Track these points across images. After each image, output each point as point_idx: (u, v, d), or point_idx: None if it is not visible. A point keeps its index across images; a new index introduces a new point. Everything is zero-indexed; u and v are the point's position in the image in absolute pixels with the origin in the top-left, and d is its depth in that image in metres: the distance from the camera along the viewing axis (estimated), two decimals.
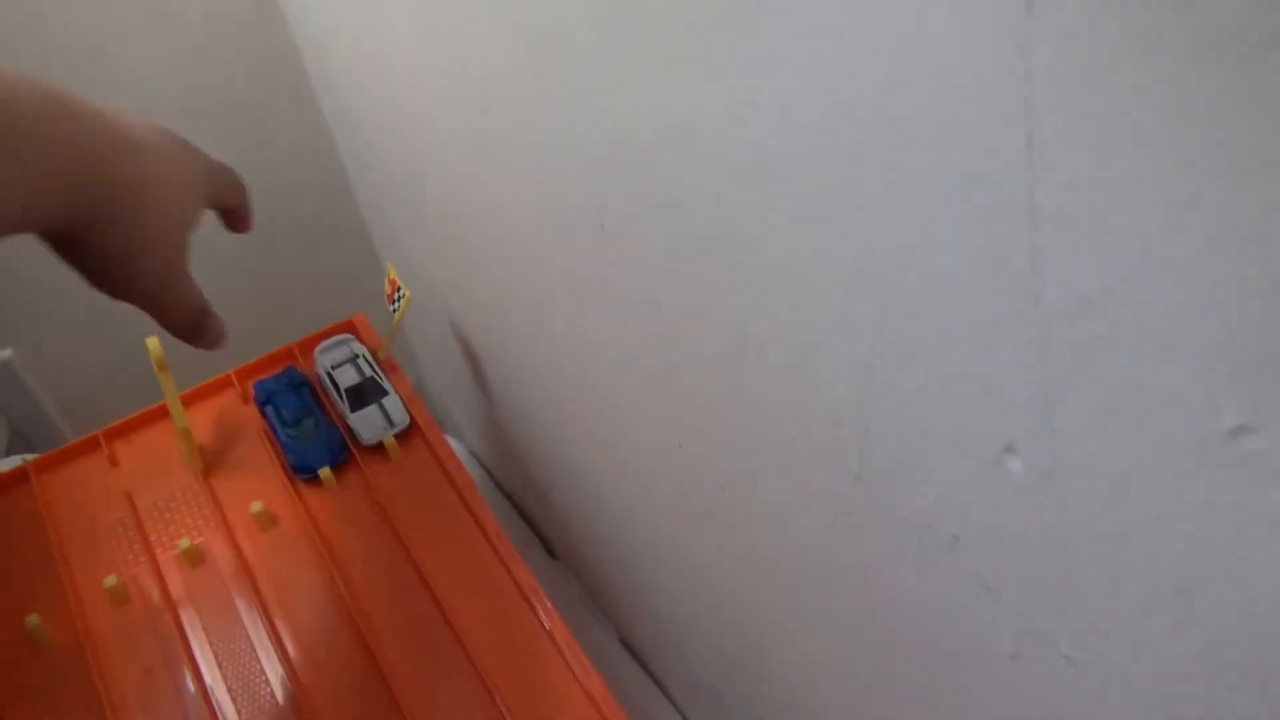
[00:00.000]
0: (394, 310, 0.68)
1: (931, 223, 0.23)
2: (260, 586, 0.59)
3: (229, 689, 0.55)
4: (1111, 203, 0.18)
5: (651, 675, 0.74)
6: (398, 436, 0.65)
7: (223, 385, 0.70)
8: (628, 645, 0.77)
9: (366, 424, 0.66)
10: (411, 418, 0.66)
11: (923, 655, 0.32)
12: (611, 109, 0.34)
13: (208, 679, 0.56)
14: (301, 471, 0.64)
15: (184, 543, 0.60)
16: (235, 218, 0.54)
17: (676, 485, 0.47)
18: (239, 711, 0.54)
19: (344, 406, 0.66)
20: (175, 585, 0.60)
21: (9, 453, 0.76)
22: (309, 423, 0.66)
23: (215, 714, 0.54)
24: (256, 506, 0.62)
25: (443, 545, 0.61)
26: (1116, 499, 0.21)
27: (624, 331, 0.43)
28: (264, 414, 0.67)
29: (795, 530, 0.37)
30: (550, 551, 0.86)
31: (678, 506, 0.49)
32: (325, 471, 0.63)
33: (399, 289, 0.67)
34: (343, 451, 0.65)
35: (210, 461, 0.66)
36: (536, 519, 0.87)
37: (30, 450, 0.79)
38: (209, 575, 0.60)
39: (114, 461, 0.66)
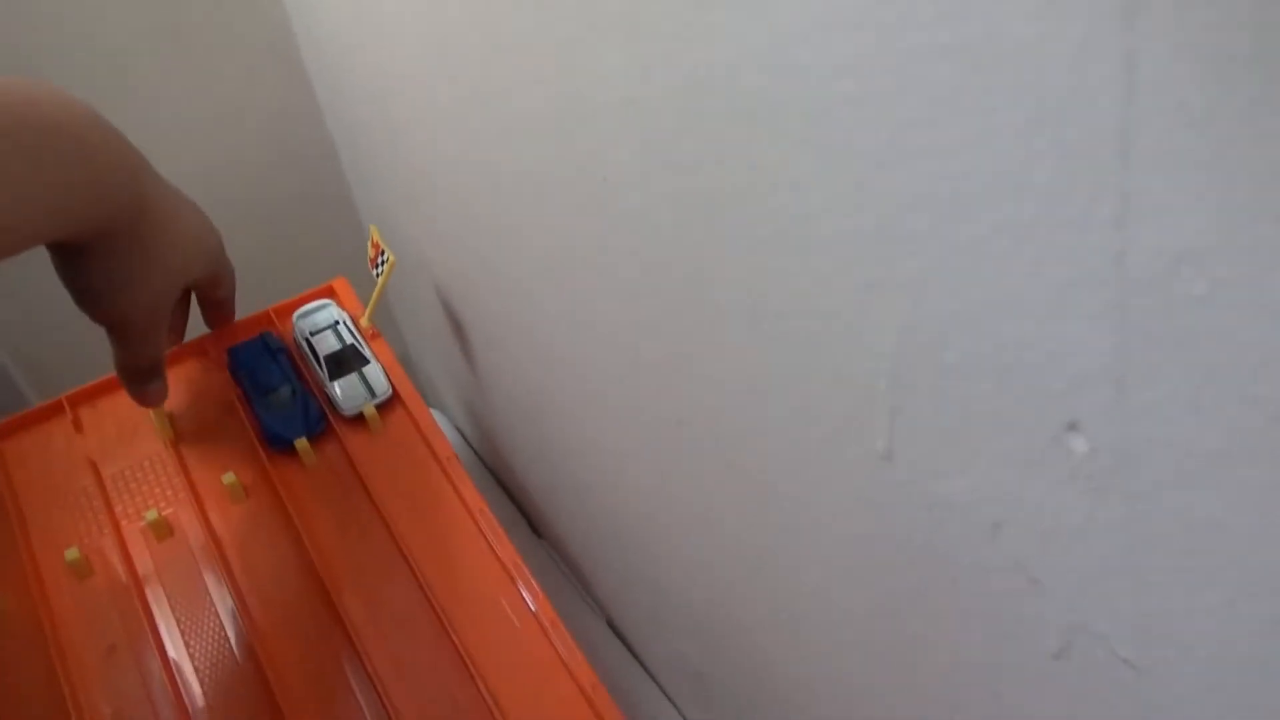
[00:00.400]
0: (377, 275, 0.64)
1: (992, 164, 0.20)
2: (230, 561, 0.56)
3: (195, 668, 0.52)
4: (1226, 135, 0.16)
5: (636, 657, 0.72)
6: (379, 407, 0.62)
7: (195, 351, 0.66)
8: (613, 627, 0.75)
9: (346, 393, 0.62)
10: (394, 388, 0.63)
11: (946, 651, 0.30)
12: (619, 52, 0.31)
13: (173, 657, 0.53)
14: (276, 442, 0.61)
15: (151, 514, 0.57)
16: (216, 307, 0.60)
17: (675, 465, 0.44)
18: (205, 691, 0.51)
19: (323, 374, 0.63)
20: (141, 559, 0.57)
21: None
22: (285, 391, 0.63)
23: (181, 693, 0.51)
24: (228, 478, 0.59)
25: (424, 520, 0.58)
26: (1204, 485, 0.19)
27: (623, 300, 0.40)
28: (238, 381, 0.64)
29: (808, 513, 0.34)
30: (535, 530, 0.83)
31: (675, 487, 0.46)
32: (302, 442, 0.60)
33: (383, 252, 0.64)
34: (320, 422, 0.62)
35: (180, 430, 0.62)
36: (521, 496, 0.84)
37: None
38: (177, 549, 0.57)
39: (79, 427, 0.63)
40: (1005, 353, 0.22)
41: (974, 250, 0.21)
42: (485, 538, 0.57)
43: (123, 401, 0.64)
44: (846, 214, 0.24)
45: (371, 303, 0.66)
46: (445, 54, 0.46)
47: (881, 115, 0.22)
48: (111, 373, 0.64)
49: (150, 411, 0.62)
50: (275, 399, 0.62)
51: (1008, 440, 0.23)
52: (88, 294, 0.47)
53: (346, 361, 0.64)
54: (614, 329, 0.43)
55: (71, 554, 0.55)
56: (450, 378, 0.87)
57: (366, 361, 0.64)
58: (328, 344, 0.64)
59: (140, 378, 0.55)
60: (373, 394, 0.62)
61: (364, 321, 0.66)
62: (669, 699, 0.68)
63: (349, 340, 0.64)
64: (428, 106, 0.54)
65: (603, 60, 0.33)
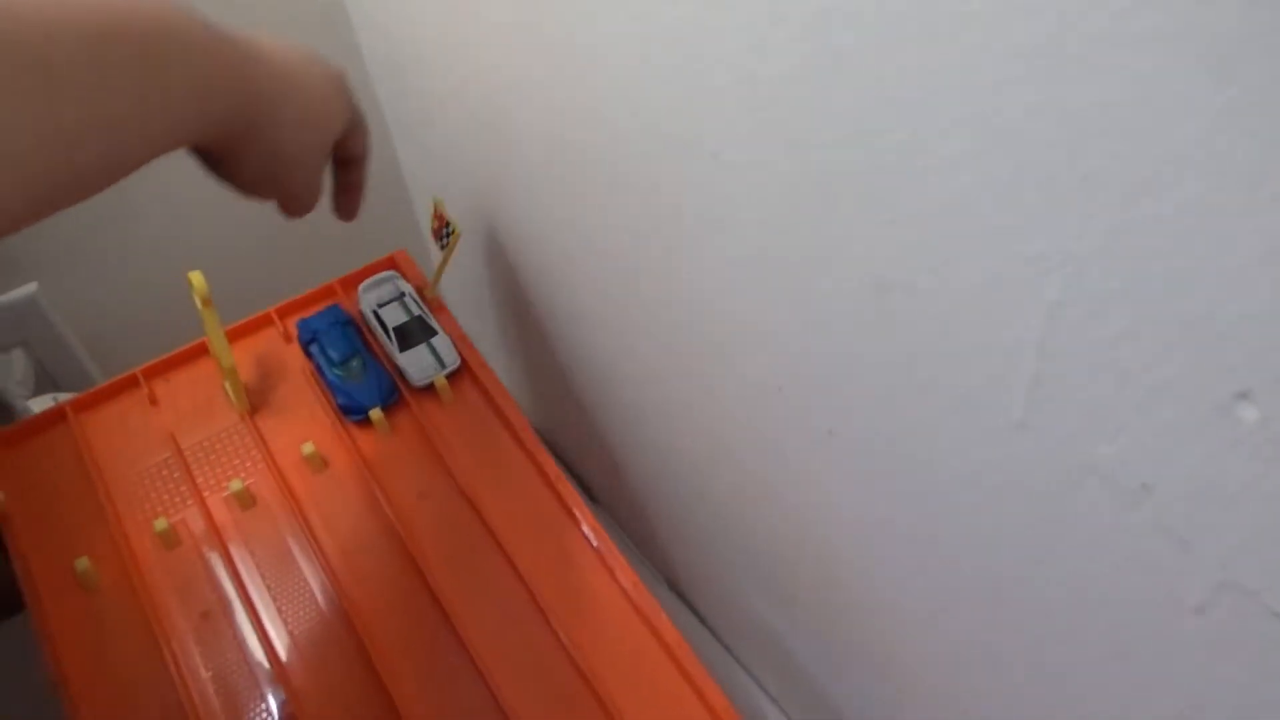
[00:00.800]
0: (442, 246, 0.65)
1: (1180, 145, 0.21)
2: (315, 529, 0.58)
3: (290, 633, 0.54)
4: None
5: (706, 623, 0.73)
6: (449, 377, 0.63)
7: (263, 323, 0.67)
8: (674, 589, 0.77)
9: (416, 364, 0.63)
10: (462, 358, 0.64)
11: (1074, 609, 0.31)
12: (735, 19, 0.32)
13: (266, 623, 0.54)
14: (352, 413, 0.62)
15: (235, 484, 0.58)
16: (353, 167, 0.55)
17: (767, 431, 0.46)
18: (300, 655, 0.53)
19: (392, 346, 0.64)
20: (227, 528, 0.58)
21: (36, 393, 0.73)
22: (357, 363, 0.64)
23: (277, 657, 0.53)
24: (308, 448, 0.60)
25: (501, 488, 0.60)
26: None
27: (724, 272, 0.41)
28: (309, 353, 0.65)
29: (925, 482, 0.36)
30: (591, 496, 0.85)
31: (764, 454, 0.48)
32: (377, 413, 0.61)
33: (448, 224, 0.65)
34: (393, 393, 0.63)
35: (255, 402, 0.63)
36: (574, 462, 0.86)
37: (57, 389, 0.76)
38: (261, 518, 0.59)
39: (154, 401, 0.64)
40: (1173, 328, 0.23)
41: (1152, 229, 0.22)
42: (563, 503, 0.59)
43: (197, 374, 0.65)
44: (1008, 195, 0.25)
45: (437, 274, 0.66)
46: (540, 21, 0.47)
47: (1055, 99, 0.23)
48: (170, 346, 0.65)
49: (225, 383, 0.63)
50: (347, 370, 0.63)
51: (1168, 409, 0.24)
52: (242, 187, 0.46)
53: (415, 333, 0.65)
54: (709, 300, 0.44)
55: (160, 524, 0.57)
56: (498, 346, 0.88)
57: (434, 332, 0.65)
58: (395, 316, 0.65)
59: (304, 212, 0.52)
60: (442, 365, 0.63)
61: (430, 292, 0.67)
62: (739, 662, 0.70)
63: (416, 312, 0.65)
64: (516, 79, 0.54)
65: (723, 40, 0.33)
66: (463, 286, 0.87)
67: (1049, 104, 0.23)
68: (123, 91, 0.34)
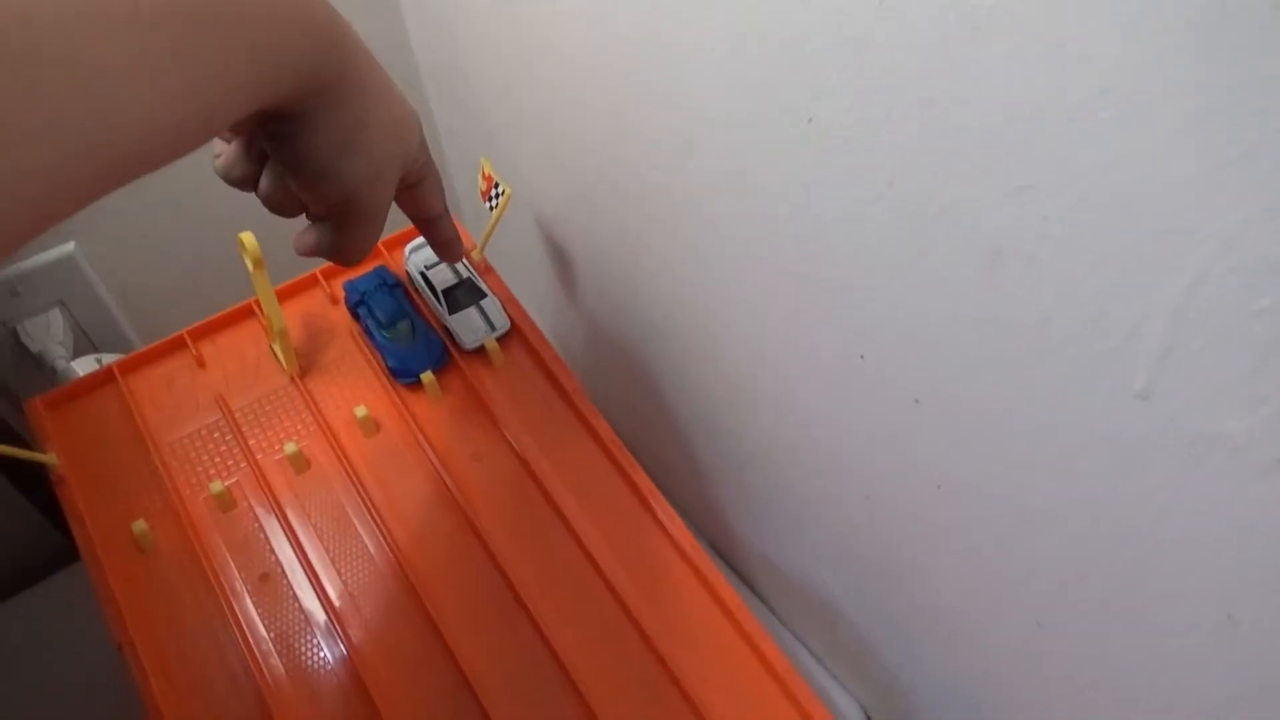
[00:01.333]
0: (491, 208, 0.64)
1: None
2: (371, 492, 0.58)
3: (350, 594, 0.54)
4: None
5: (743, 577, 0.74)
6: (499, 340, 0.63)
7: (308, 285, 0.67)
8: (713, 546, 0.77)
9: (466, 327, 0.63)
10: (512, 321, 0.64)
11: (1181, 577, 0.31)
12: None
13: (326, 584, 0.55)
14: (402, 375, 0.62)
15: (290, 447, 0.58)
16: (430, 204, 0.53)
17: (843, 399, 0.46)
18: (361, 615, 0.54)
19: (441, 309, 0.64)
20: (282, 491, 0.58)
21: (75, 354, 0.72)
22: (405, 325, 0.63)
23: (339, 619, 0.53)
24: (361, 411, 0.60)
25: (555, 450, 0.60)
26: None
27: (810, 237, 0.41)
28: (356, 316, 0.64)
29: (1018, 448, 0.36)
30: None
31: (837, 422, 0.48)
32: (428, 375, 0.61)
33: (496, 185, 0.64)
34: (444, 355, 0.63)
35: (303, 364, 0.63)
36: (621, 427, 0.86)
37: (95, 350, 0.75)
38: (316, 481, 0.59)
39: (201, 364, 0.63)
40: None
41: None
42: (618, 467, 0.59)
43: (243, 337, 0.65)
44: (1159, 166, 0.25)
45: (485, 236, 0.66)
46: None
47: (1224, 70, 0.23)
48: (210, 308, 0.65)
49: (273, 346, 0.62)
50: (396, 333, 0.63)
51: None
52: (305, 168, 0.41)
53: (464, 295, 0.64)
54: (790, 269, 0.43)
55: (215, 487, 0.57)
56: (539, 308, 0.88)
57: (484, 295, 0.64)
58: (444, 278, 0.64)
59: (346, 263, 0.49)
60: (492, 327, 0.63)
61: (476, 255, 0.67)
62: (779, 619, 0.70)
63: (464, 274, 0.65)
64: (572, 25, 0.53)
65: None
66: (510, 248, 0.86)
67: (1217, 74, 0.23)
68: (213, 48, 0.33)
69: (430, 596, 0.54)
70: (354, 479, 0.58)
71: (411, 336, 0.63)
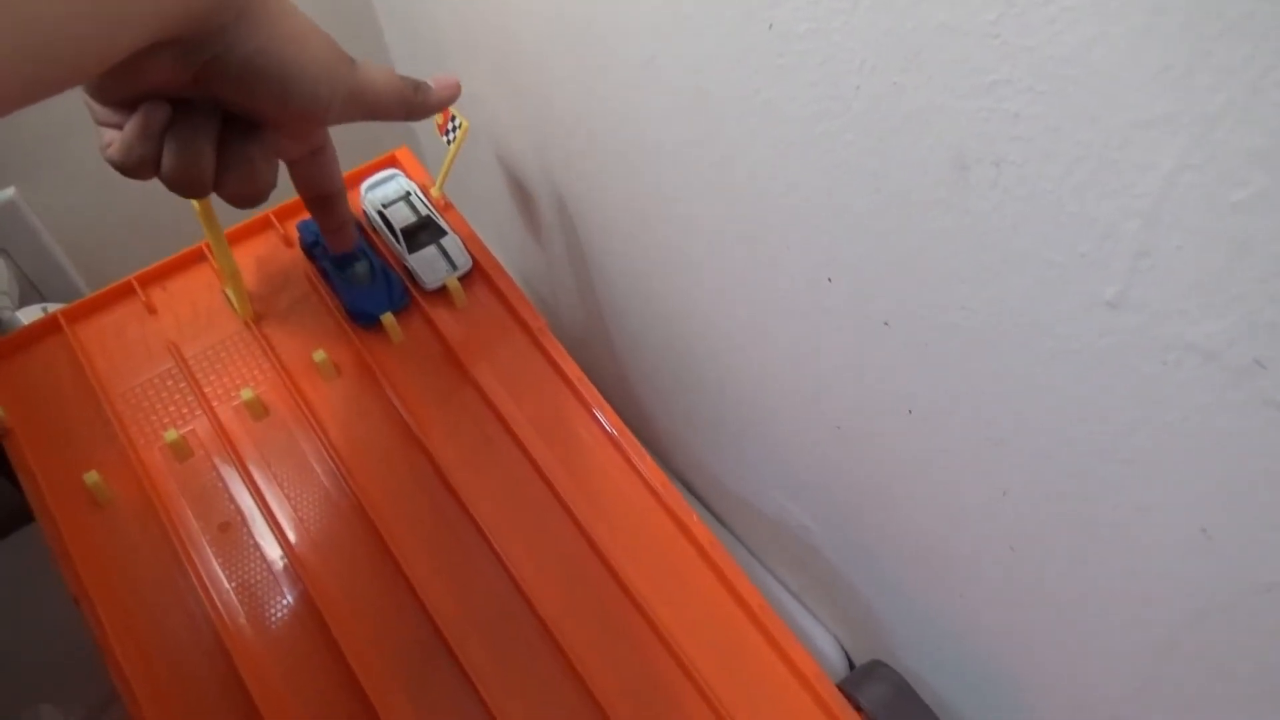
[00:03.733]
0: (449, 142, 0.62)
1: None
2: (332, 437, 0.56)
3: (312, 541, 0.53)
4: None
5: (725, 524, 0.73)
6: (461, 279, 0.61)
7: (261, 227, 0.64)
8: (692, 492, 0.77)
9: (427, 266, 0.61)
10: (474, 259, 0.62)
11: (1161, 487, 0.31)
12: None
13: (288, 531, 0.53)
14: (362, 318, 0.60)
15: (246, 394, 0.57)
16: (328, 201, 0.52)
17: (810, 325, 0.44)
18: (324, 562, 0.52)
19: (400, 248, 0.61)
20: (239, 438, 0.56)
21: (21, 304, 0.70)
22: (363, 266, 0.61)
23: (301, 566, 0.52)
24: (319, 355, 0.58)
25: (521, 390, 0.58)
26: None
27: (772, 154, 0.39)
28: (312, 257, 0.62)
29: (989, 365, 0.35)
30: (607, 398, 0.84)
31: (804, 349, 0.46)
32: (389, 317, 0.59)
33: (454, 118, 0.61)
34: (404, 296, 0.61)
35: (259, 309, 0.61)
36: (588, 363, 0.84)
37: (43, 300, 0.73)
38: (275, 427, 0.57)
39: (151, 309, 0.61)
40: None
41: None
42: (585, 404, 0.57)
43: (194, 282, 0.62)
44: (1132, 53, 0.23)
45: (443, 171, 0.63)
46: None
47: None
48: (178, 252, 0.63)
49: (226, 290, 0.60)
50: (354, 275, 0.61)
51: None
52: (265, 77, 0.39)
53: (423, 233, 0.62)
54: (754, 182, 0.42)
55: (170, 435, 0.55)
56: (504, 246, 0.86)
57: (444, 233, 0.62)
58: (402, 216, 0.62)
59: (418, 106, 0.48)
60: (454, 266, 0.61)
61: (435, 191, 0.64)
62: (754, 555, 0.70)
63: (424, 212, 0.63)
64: None
65: None
66: (463, 181, 0.84)
67: None
68: None
69: (394, 540, 0.52)
70: (314, 424, 0.56)
71: (370, 278, 0.61)
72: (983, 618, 0.45)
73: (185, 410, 0.57)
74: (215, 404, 0.57)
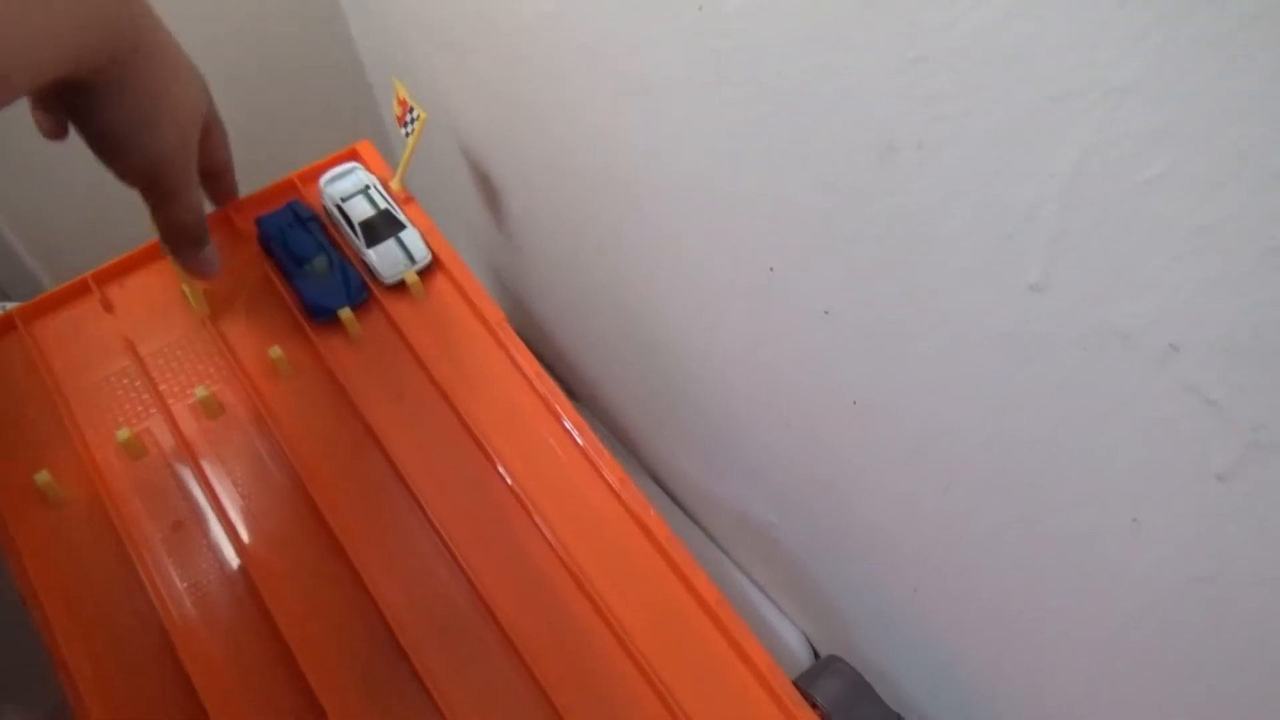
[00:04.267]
0: (407, 134, 0.61)
1: None
2: (286, 435, 0.55)
3: (265, 539, 0.52)
4: None
5: (687, 512, 0.73)
6: (420, 273, 0.60)
7: (219, 222, 0.63)
8: (658, 483, 0.76)
9: (385, 260, 0.60)
10: (433, 252, 0.61)
11: (1091, 477, 0.30)
12: None
13: (241, 531, 0.53)
14: (319, 313, 0.59)
15: (200, 391, 0.56)
16: (218, 175, 0.56)
17: (756, 316, 0.43)
18: (278, 562, 0.52)
19: (359, 242, 0.61)
20: (194, 437, 0.56)
21: None
22: (321, 260, 0.61)
23: (254, 565, 0.51)
24: (275, 352, 0.57)
25: (479, 385, 0.57)
26: None
27: (712, 141, 0.38)
28: (270, 252, 0.62)
29: (924, 354, 0.34)
30: (570, 393, 0.83)
31: (751, 341, 0.46)
32: (346, 313, 0.58)
33: (411, 109, 0.61)
34: (362, 291, 0.60)
35: (215, 306, 0.60)
36: (554, 361, 0.84)
37: (5, 298, 0.72)
38: (229, 425, 0.56)
39: (108, 307, 0.60)
40: (1228, 162, 0.21)
41: (1212, 46, 0.20)
42: (544, 400, 0.57)
43: (152, 278, 0.62)
44: (1042, 23, 0.23)
45: (403, 164, 0.63)
46: None
47: None
48: (135, 248, 0.62)
49: (183, 286, 0.59)
50: (312, 269, 0.60)
51: (1209, 259, 0.22)
52: (111, 142, 0.43)
53: (382, 227, 0.61)
54: (692, 174, 0.41)
55: (123, 434, 0.54)
56: (472, 240, 0.85)
57: (403, 226, 0.62)
58: (360, 210, 0.62)
59: (189, 239, 0.51)
60: (412, 260, 0.60)
61: (395, 184, 0.64)
62: (727, 554, 0.69)
63: (382, 205, 0.62)
64: None
65: None
66: (431, 176, 0.83)
67: None
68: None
69: (349, 540, 0.52)
70: (269, 423, 0.56)
71: (328, 272, 0.60)
72: (937, 611, 0.44)
73: (140, 409, 0.57)
74: (170, 402, 0.57)
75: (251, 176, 0.65)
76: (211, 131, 0.52)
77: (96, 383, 0.57)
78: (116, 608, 0.51)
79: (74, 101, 0.41)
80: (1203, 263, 0.22)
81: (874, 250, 0.33)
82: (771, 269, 0.40)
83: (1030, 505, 0.33)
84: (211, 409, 0.56)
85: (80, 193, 0.72)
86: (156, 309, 0.60)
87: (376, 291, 0.60)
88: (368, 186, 0.63)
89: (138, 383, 0.58)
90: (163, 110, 0.44)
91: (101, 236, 0.69)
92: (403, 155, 0.62)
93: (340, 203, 0.62)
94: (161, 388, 0.57)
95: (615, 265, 0.58)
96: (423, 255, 0.61)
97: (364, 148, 0.66)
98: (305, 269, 0.60)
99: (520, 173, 0.64)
